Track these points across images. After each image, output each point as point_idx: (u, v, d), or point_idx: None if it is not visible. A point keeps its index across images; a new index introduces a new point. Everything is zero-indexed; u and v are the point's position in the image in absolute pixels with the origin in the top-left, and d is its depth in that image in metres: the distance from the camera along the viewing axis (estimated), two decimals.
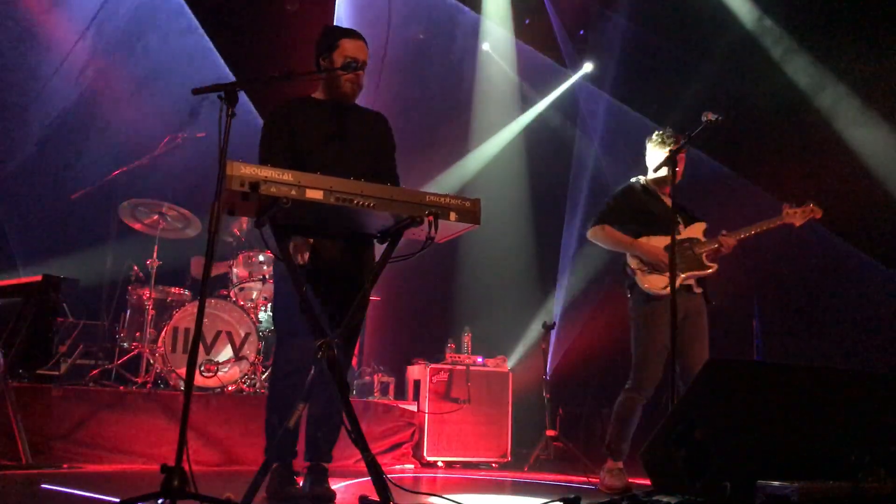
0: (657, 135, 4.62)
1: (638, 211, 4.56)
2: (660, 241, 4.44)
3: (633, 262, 4.51)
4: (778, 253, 6.34)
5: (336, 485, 3.43)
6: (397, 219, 2.97)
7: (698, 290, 4.49)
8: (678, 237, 4.41)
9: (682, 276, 4.37)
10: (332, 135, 3.56)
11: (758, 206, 5.63)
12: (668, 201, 4.49)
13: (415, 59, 8.54)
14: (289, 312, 3.47)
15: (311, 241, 3.36)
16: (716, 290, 4.59)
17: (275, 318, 3.67)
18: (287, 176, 2.76)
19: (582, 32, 8.84)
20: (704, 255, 4.45)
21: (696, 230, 4.56)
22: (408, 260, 3.12)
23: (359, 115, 3.68)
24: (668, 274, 4.28)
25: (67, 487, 3.72)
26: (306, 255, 3.36)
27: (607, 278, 7.48)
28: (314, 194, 2.78)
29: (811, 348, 6.45)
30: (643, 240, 4.49)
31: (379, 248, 3.64)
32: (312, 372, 2.94)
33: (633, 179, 4.71)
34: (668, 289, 4.27)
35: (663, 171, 4.35)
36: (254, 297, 6.11)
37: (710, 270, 4.45)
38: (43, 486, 3.70)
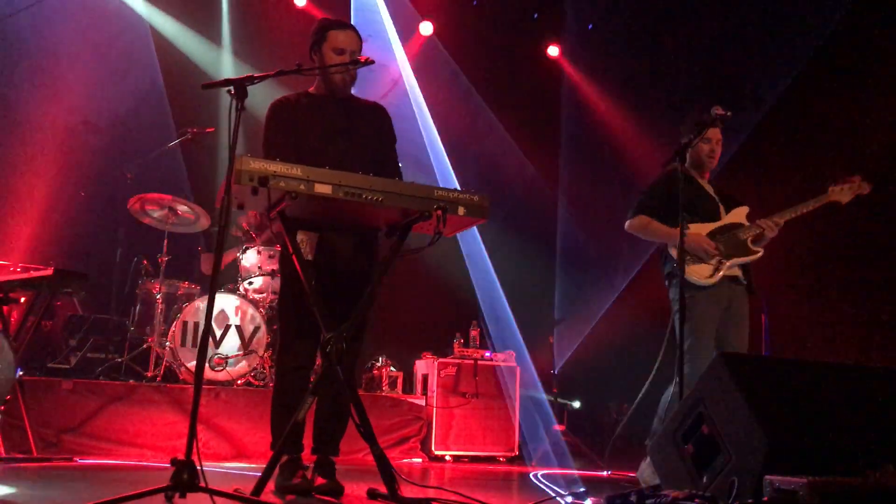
0: (696, 122, 4.40)
1: (676, 199, 4.27)
2: (700, 229, 4.32)
3: (675, 252, 4.29)
4: (787, 246, 6.32)
5: (344, 478, 3.44)
6: (406, 213, 2.97)
7: (742, 280, 4.34)
8: (719, 224, 4.35)
9: (728, 262, 4.25)
10: (332, 129, 3.54)
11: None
12: (709, 187, 4.45)
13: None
14: (295, 309, 3.48)
15: (318, 235, 3.36)
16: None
17: (280, 314, 3.66)
18: (296, 170, 2.78)
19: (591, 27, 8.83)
20: (749, 239, 4.31)
21: (739, 215, 4.42)
22: (416, 254, 3.13)
23: (358, 107, 3.65)
24: (712, 262, 4.25)
25: (77, 480, 3.74)
26: (311, 253, 3.37)
27: (615, 272, 7.48)
28: (323, 189, 2.80)
29: (820, 343, 6.43)
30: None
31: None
32: (320, 365, 2.95)
33: (672, 166, 4.51)
34: (713, 278, 4.23)
35: (699, 155, 4.40)
36: (263, 291, 6.13)
37: (757, 255, 4.30)
38: (53, 478, 3.73)
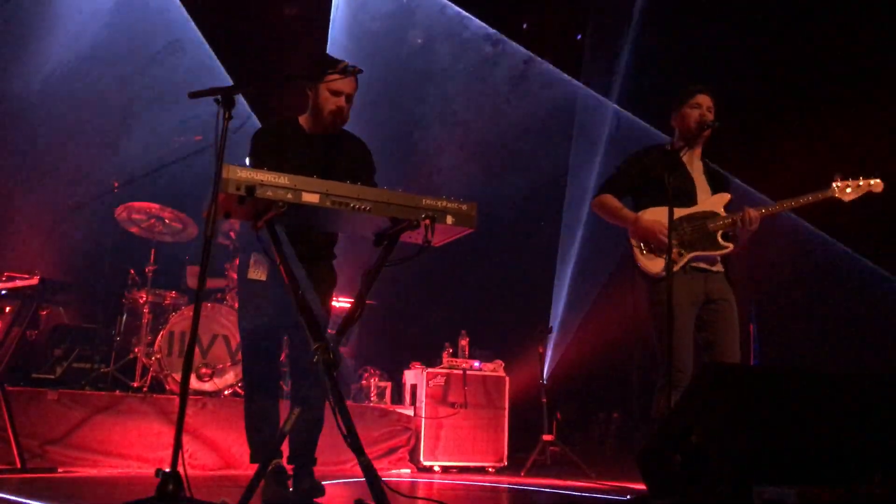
0: (681, 91, 4.08)
1: (648, 179, 3.95)
2: (665, 215, 3.69)
3: (632, 240, 3.96)
4: (776, 256, 6.35)
5: (332, 489, 3.42)
6: (393, 222, 2.97)
7: (718, 270, 3.93)
8: (692, 210, 3.93)
9: (688, 255, 3.84)
10: (312, 162, 3.60)
11: None
12: (699, 165, 4.07)
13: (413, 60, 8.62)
14: (256, 319, 3.56)
15: (269, 260, 3.46)
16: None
17: (241, 324, 3.69)
18: (283, 179, 2.76)
19: (579, 37, 8.89)
20: (720, 232, 3.88)
21: (717, 203, 3.97)
22: (404, 264, 3.12)
23: (340, 142, 3.75)
24: (664, 256, 3.75)
25: (62, 492, 3.71)
26: (264, 274, 3.55)
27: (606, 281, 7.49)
28: (310, 198, 2.78)
29: (808, 352, 6.45)
30: (647, 213, 3.93)
31: (349, 260, 3.80)
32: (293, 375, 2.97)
33: (648, 144, 4.15)
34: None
35: (687, 124, 3.96)
36: None
37: (725, 250, 3.88)
38: (37, 490, 3.69)
